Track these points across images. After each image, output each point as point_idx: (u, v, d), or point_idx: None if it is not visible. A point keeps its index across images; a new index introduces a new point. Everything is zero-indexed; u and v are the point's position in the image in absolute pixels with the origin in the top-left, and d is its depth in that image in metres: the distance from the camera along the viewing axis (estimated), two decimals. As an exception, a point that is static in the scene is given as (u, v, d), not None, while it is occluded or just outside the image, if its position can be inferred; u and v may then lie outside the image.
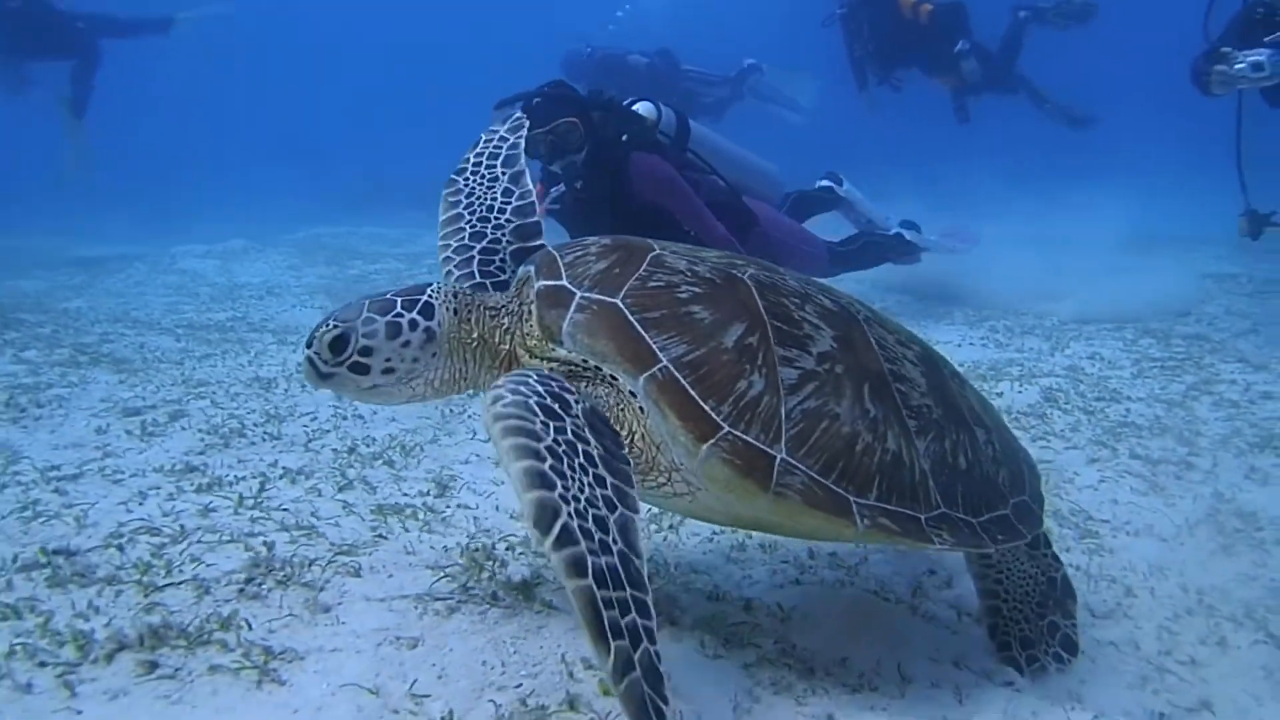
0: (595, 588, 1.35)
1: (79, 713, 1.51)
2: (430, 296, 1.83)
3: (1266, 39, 5.54)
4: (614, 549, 1.43)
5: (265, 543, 2.24)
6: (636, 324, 1.69)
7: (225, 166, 20.07)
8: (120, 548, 2.18)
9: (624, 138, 5.19)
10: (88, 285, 7.72)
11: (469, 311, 1.86)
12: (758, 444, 1.66)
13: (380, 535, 2.40)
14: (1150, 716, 2.03)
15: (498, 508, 2.73)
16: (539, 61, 12.50)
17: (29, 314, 6.00)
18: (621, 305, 1.71)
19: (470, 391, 1.96)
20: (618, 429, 1.70)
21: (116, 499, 2.56)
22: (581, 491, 1.46)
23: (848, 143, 13.57)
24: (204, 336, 5.30)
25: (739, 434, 1.65)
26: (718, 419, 1.65)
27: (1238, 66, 5.48)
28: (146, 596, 1.90)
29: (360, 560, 2.17)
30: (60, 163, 11.02)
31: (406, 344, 1.77)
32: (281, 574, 2.04)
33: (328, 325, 1.76)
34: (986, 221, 7.75)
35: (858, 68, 10.69)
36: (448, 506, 2.71)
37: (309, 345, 1.77)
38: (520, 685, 1.64)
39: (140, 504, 2.52)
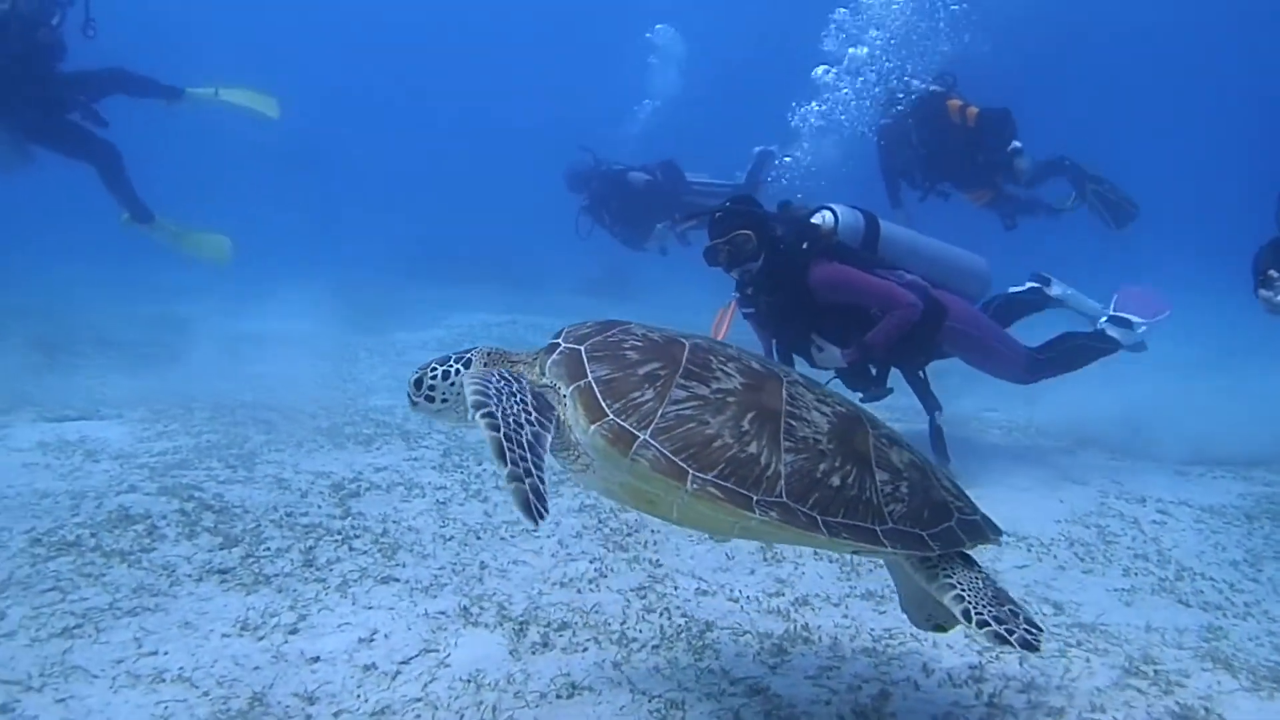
0: (504, 441, 2.19)
1: None
2: (471, 354, 2.71)
3: None
4: (525, 430, 2.26)
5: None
6: (586, 361, 2.51)
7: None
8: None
9: (804, 245, 5.80)
10: (359, 381, 8.64)
11: (495, 364, 2.69)
12: (629, 427, 2.38)
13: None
14: None
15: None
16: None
17: (397, 420, 6.95)
18: (582, 350, 2.55)
19: None
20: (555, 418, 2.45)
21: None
22: (511, 410, 2.30)
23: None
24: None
25: (619, 420, 2.39)
26: (607, 411, 2.40)
27: None
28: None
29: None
30: (202, 262, 10.85)
31: (453, 384, 2.67)
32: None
33: (414, 372, 2.70)
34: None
35: (891, 181, 10.79)
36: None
37: (408, 385, 2.70)
38: None
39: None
